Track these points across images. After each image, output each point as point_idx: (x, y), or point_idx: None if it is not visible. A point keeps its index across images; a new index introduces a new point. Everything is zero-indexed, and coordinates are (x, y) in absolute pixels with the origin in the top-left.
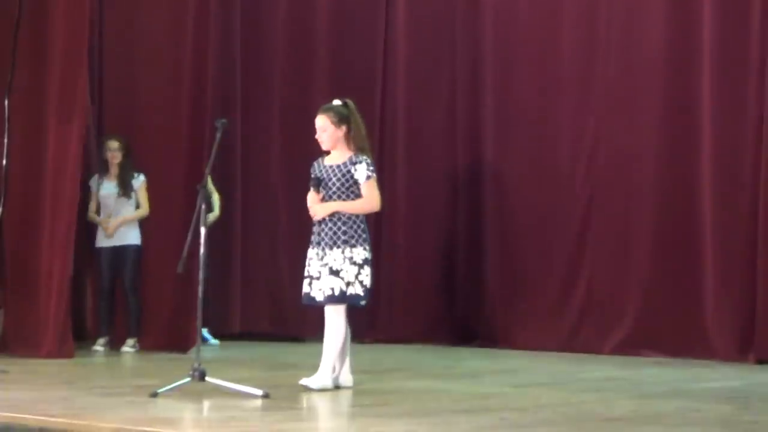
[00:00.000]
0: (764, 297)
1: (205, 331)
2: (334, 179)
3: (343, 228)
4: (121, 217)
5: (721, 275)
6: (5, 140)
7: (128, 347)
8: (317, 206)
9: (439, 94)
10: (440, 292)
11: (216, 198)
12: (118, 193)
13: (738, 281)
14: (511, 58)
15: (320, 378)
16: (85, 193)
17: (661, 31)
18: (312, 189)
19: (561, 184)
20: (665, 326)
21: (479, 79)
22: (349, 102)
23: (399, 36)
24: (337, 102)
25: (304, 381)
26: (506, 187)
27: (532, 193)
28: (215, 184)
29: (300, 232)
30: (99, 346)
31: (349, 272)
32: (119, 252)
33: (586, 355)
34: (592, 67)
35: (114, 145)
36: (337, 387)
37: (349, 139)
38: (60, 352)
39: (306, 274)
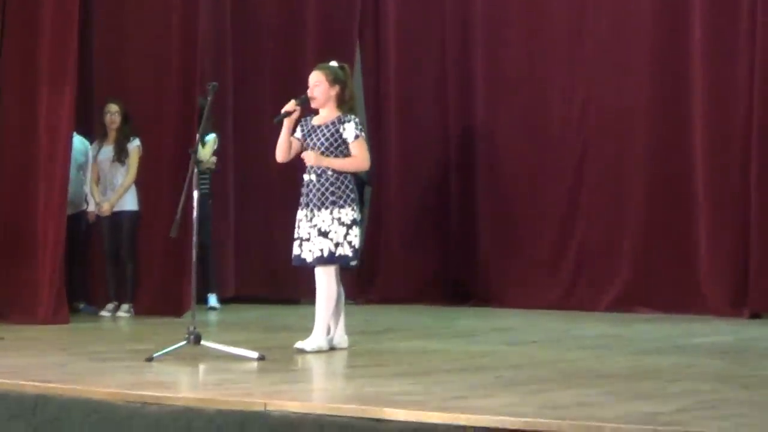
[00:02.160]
0: (757, 252)
1: (213, 298)
2: (322, 138)
3: (331, 189)
4: (114, 197)
5: (713, 231)
6: None
7: (123, 312)
8: (311, 152)
9: (429, 55)
10: (433, 253)
11: (209, 142)
12: (113, 158)
13: (731, 236)
14: (501, 19)
15: (314, 340)
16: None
17: None
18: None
19: (552, 142)
20: (659, 283)
21: (469, 40)
22: (346, 67)
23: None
24: (334, 63)
25: (299, 344)
26: (498, 146)
27: (524, 152)
28: (215, 130)
29: (293, 195)
30: (106, 312)
31: (337, 233)
32: (117, 218)
33: (580, 312)
34: (581, 26)
35: (113, 108)
36: (331, 348)
37: (340, 100)
38: (55, 318)
39: (296, 235)
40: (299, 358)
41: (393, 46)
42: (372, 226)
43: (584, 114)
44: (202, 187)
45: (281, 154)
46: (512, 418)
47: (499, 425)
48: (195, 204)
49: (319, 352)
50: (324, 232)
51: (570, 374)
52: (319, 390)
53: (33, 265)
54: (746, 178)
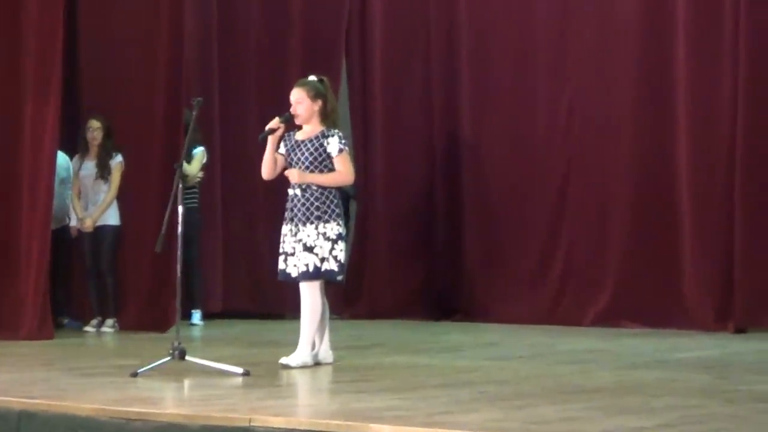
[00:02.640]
0: (742, 266)
1: (197, 315)
2: (306, 153)
3: (316, 204)
4: (96, 212)
5: (699, 245)
6: None
7: (108, 327)
8: (294, 170)
9: (414, 65)
10: (419, 267)
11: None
12: (96, 175)
13: (716, 251)
14: (486, 28)
15: (299, 355)
16: None
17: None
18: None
19: (538, 154)
20: (644, 297)
21: (455, 51)
22: (325, 79)
23: (374, 9)
24: (312, 78)
25: (283, 360)
26: (483, 159)
27: (509, 164)
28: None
29: (278, 209)
30: (90, 327)
31: (323, 248)
32: (98, 232)
33: (565, 327)
34: (566, 36)
35: (95, 124)
36: (316, 363)
37: (323, 114)
38: (39, 333)
39: (281, 250)
40: (284, 374)
41: (378, 57)
42: (358, 240)
43: (569, 125)
44: (191, 201)
45: (266, 171)
46: None
47: None
48: (180, 219)
49: (304, 367)
50: (309, 247)
51: (555, 389)
52: (304, 405)
53: (17, 280)
54: (731, 194)
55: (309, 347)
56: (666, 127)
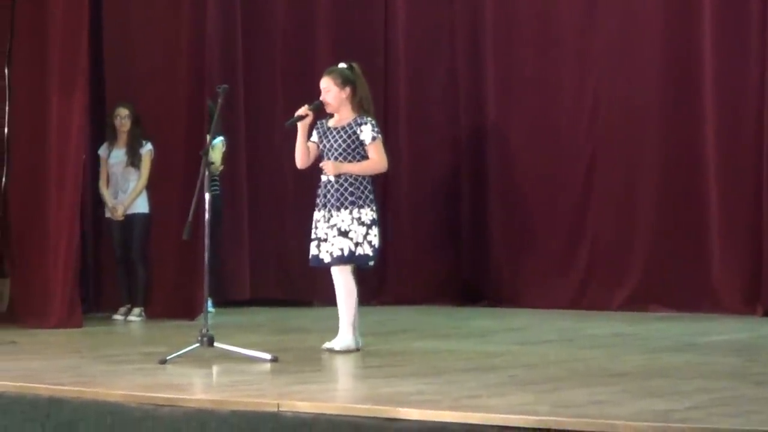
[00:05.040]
0: None
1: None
2: (340, 141)
3: (350, 189)
4: (128, 200)
5: (726, 228)
6: (6, 108)
7: (134, 316)
8: (330, 162)
9: (440, 54)
10: (446, 254)
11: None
12: (126, 162)
13: (744, 234)
14: (512, 17)
15: (342, 339)
16: (98, 161)
17: None
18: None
19: (564, 141)
20: (672, 281)
21: (480, 39)
22: (355, 66)
23: None
24: (342, 65)
25: (327, 344)
26: (509, 145)
27: (535, 150)
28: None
29: (306, 196)
30: (119, 315)
31: (357, 233)
32: (128, 220)
33: (593, 311)
34: (591, 22)
35: (123, 112)
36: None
37: (353, 101)
38: (69, 321)
39: (313, 236)
40: (313, 360)
41: (403, 44)
42: (385, 226)
43: (595, 114)
44: (213, 189)
45: (300, 161)
46: (526, 417)
47: (513, 424)
48: (207, 206)
49: (347, 351)
50: (344, 231)
51: (583, 373)
52: (332, 391)
53: (46, 269)
54: (759, 176)
55: (350, 331)
56: (693, 110)
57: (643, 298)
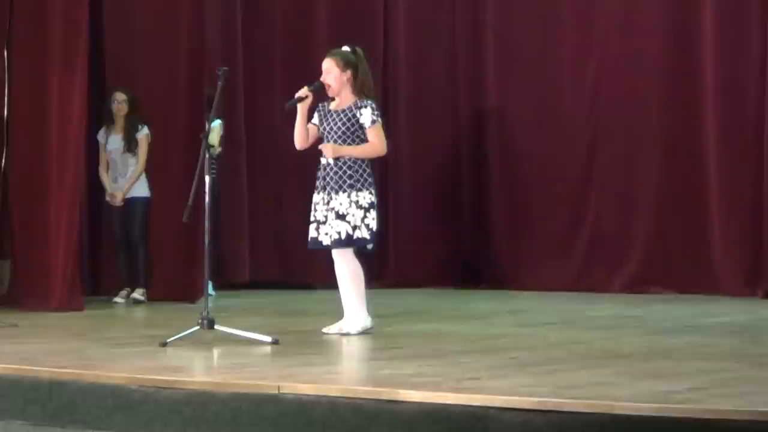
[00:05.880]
0: None
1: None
2: (339, 123)
3: (349, 172)
4: (126, 185)
5: (727, 210)
6: (5, 91)
7: (139, 295)
8: (329, 145)
9: (440, 36)
10: (447, 236)
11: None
12: (123, 148)
13: (744, 215)
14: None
15: (357, 321)
16: (97, 146)
17: None
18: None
19: (565, 120)
20: (673, 263)
21: (480, 21)
22: (358, 49)
23: None
24: (345, 48)
25: (343, 328)
26: (509, 126)
27: (536, 131)
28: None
29: (305, 179)
30: (120, 299)
31: (355, 216)
32: (128, 205)
33: (594, 293)
34: (592, 6)
35: (120, 97)
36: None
37: (355, 85)
38: (70, 304)
39: (312, 219)
40: (314, 342)
41: (403, 24)
42: (385, 209)
43: (596, 95)
44: (212, 172)
45: (299, 142)
46: (527, 398)
47: (514, 405)
48: (207, 189)
49: (365, 332)
50: (342, 215)
51: (584, 355)
52: (333, 373)
53: (47, 252)
54: (759, 157)
55: (363, 310)
56: (694, 92)
57: (643, 280)
